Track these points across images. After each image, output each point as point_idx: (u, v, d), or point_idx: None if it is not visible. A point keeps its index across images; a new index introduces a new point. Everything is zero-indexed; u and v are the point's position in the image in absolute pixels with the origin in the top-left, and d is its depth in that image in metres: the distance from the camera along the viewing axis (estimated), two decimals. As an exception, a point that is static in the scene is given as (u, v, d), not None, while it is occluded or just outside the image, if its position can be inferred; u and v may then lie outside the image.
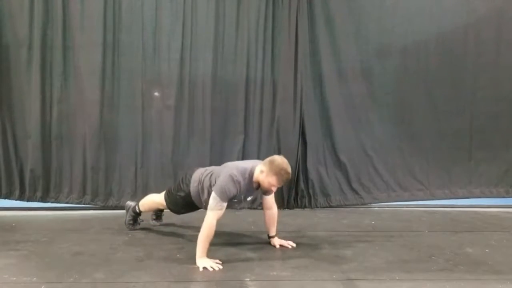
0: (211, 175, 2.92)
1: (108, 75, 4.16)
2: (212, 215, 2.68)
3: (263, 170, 2.77)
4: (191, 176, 3.04)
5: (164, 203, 3.21)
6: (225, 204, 2.71)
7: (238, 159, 4.30)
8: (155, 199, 3.34)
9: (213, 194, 2.72)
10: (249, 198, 2.95)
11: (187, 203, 3.05)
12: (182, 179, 3.11)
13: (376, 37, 4.49)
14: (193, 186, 2.99)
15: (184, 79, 4.27)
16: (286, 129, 4.35)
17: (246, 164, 2.89)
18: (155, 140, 4.27)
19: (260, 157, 4.35)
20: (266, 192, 2.96)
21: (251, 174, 2.79)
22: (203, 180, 2.94)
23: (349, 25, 4.45)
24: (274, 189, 2.84)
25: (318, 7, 4.38)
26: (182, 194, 3.04)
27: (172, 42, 4.23)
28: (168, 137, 4.28)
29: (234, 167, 2.82)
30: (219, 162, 4.28)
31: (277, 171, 2.72)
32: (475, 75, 4.63)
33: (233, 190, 2.71)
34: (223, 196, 2.69)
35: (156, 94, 4.31)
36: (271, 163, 2.76)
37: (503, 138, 4.70)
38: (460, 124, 4.65)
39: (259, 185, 2.85)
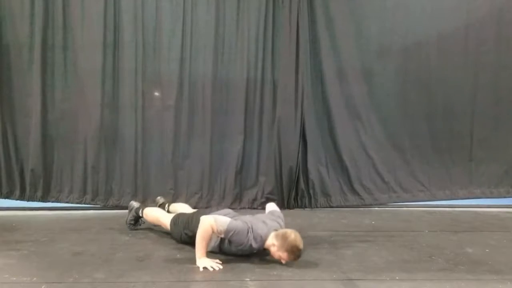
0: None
1: (108, 75, 4.16)
2: (210, 223, 2.63)
3: (274, 244, 2.67)
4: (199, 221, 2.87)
5: (169, 228, 3.15)
6: (223, 235, 2.66)
7: (238, 159, 4.31)
8: (160, 219, 3.27)
9: (227, 219, 2.67)
10: (254, 251, 2.82)
11: (190, 240, 2.92)
12: (193, 218, 2.99)
13: (377, 37, 4.49)
14: None
15: (184, 79, 4.27)
16: (286, 129, 4.35)
17: (262, 228, 2.74)
18: (155, 140, 4.28)
19: (260, 157, 4.37)
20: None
21: (263, 241, 2.71)
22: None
23: (349, 25, 4.45)
24: (283, 262, 2.69)
25: (318, 7, 4.38)
26: (189, 233, 2.94)
27: (172, 42, 4.24)
28: (168, 137, 4.28)
29: (251, 224, 2.72)
30: (219, 162, 4.34)
31: (289, 249, 2.62)
32: (476, 75, 4.62)
33: (239, 239, 2.65)
34: (229, 230, 2.63)
35: (156, 94, 4.31)
36: (284, 239, 2.64)
37: (503, 138, 4.69)
38: (460, 124, 4.64)
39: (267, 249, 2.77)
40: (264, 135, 4.40)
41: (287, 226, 3.51)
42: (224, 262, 2.64)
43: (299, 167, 4.34)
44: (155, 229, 3.46)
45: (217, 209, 3.10)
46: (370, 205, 4.49)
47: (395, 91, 4.55)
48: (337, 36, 4.42)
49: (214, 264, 2.59)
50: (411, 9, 4.53)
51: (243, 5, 4.32)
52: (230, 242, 2.71)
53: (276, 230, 2.76)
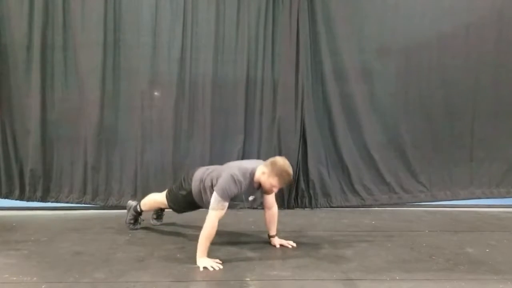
0: (213, 174, 2.92)
1: (108, 75, 4.15)
2: (214, 215, 2.68)
3: (264, 172, 2.77)
4: (192, 175, 3.05)
5: (166, 202, 3.21)
6: (226, 204, 2.72)
7: (238, 159, 4.29)
8: (156, 198, 3.34)
9: (214, 194, 2.73)
10: (250, 198, 2.96)
11: (188, 202, 3.06)
12: (184, 177, 3.12)
13: (377, 37, 4.48)
14: (194, 185, 2.99)
15: (184, 79, 4.26)
16: (286, 129, 4.34)
17: (248, 164, 2.90)
18: (155, 140, 4.27)
19: (260, 157, 4.36)
20: (267, 191, 2.97)
21: (252, 175, 2.80)
22: (205, 179, 2.95)
23: (350, 25, 4.43)
24: (275, 190, 2.85)
25: (318, 7, 4.36)
26: (184, 192, 3.04)
27: (172, 42, 4.23)
28: (168, 137, 4.27)
29: (235, 167, 2.83)
30: (219, 162, 4.27)
31: (279, 173, 2.73)
32: (477, 75, 4.60)
33: (234, 190, 2.72)
34: (224, 195, 2.69)
35: (156, 94, 4.31)
36: (273, 164, 2.76)
37: (504, 137, 4.67)
38: (461, 124, 4.62)
39: (260, 185, 2.85)
40: (264, 135, 4.39)
41: (287, 226, 3.53)
42: (224, 262, 2.64)
43: (299, 167, 4.34)
44: (155, 229, 3.47)
45: (193, 170, 3.14)
46: (371, 206, 4.49)
47: (396, 91, 4.54)
48: (338, 36, 4.41)
49: (214, 264, 2.59)
50: (411, 9, 4.51)
51: (243, 5, 4.32)
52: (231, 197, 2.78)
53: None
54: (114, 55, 4.16)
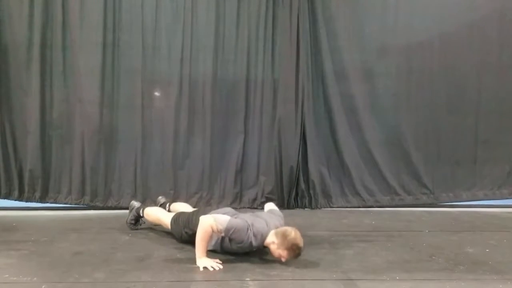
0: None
1: (108, 75, 4.16)
2: (209, 222, 2.63)
3: (274, 242, 2.67)
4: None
5: (169, 227, 3.15)
6: (223, 234, 2.66)
7: (238, 159, 4.31)
8: (161, 218, 3.27)
9: (227, 217, 2.68)
10: (254, 249, 2.83)
11: (191, 239, 2.91)
12: (193, 216, 3.00)
13: (378, 37, 4.48)
14: None
15: (184, 79, 4.27)
16: (287, 129, 4.35)
17: (262, 226, 2.75)
18: (155, 140, 4.27)
19: (260, 157, 4.36)
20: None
21: (263, 238, 2.71)
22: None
23: (350, 25, 4.43)
24: (283, 260, 2.69)
25: (319, 7, 4.37)
26: (189, 232, 2.94)
27: (172, 42, 4.24)
28: (168, 137, 4.27)
29: (251, 221, 2.73)
30: (219, 162, 4.33)
31: (289, 247, 2.62)
32: (480, 75, 4.57)
33: (239, 237, 2.65)
34: (229, 228, 2.63)
35: (156, 94, 4.31)
36: (284, 237, 2.64)
37: (507, 138, 4.63)
38: (464, 125, 4.59)
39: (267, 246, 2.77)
40: (264, 135, 4.39)
41: (287, 225, 3.52)
42: (224, 262, 2.64)
43: (299, 167, 4.34)
44: (155, 229, 3.46)
45: (217, 207, 3.09)
46: (371, 206, 4.47)
47: (397, 91, 4.52)
48: (338, 36, 4.41)
49: (214, 264, 2.58)
50: (412, 8, 4.50)
51: (243, 5, 4.32)
52: (230, 240, 2.71)
53: (276, 228, 2.76)
54: (113, 55, 4.17)
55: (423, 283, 2.41)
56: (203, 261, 2.59)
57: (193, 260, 2.63)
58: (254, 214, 2.95)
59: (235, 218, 2.76)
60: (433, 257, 2.84)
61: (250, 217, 2.81)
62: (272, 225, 2.79)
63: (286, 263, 2.65)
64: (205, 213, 2.91)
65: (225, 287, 2.32)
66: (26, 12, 4.02)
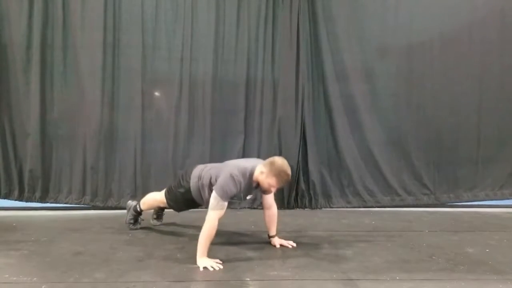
0: (211, 171, 2.93)
1: (108, 75, 4.16)
2: (214, 215, 2.68)
3: (263, 171, 2.78)
4: (191, 173, 3.05)
5: (165, 200, 3.22)
6: (226, 203, 2.72)
7: (238, 159, 4.30)
8: (155, 197, 3.35)
9: (213, 194, 2.72)
10: (248, 197, 2.96)
11: (187, 200, 3.06)
12: (182, 175, 3.13)
13: (378, 37, 4.47)
14: (193, 182, 3.00)
15: (184, 79, 4.27)
16: (287, 129, 4.35)
17: (247, 163, 2.90)
18: (155, 140, 4.27)
19: (260, 157, 4.35)
20: (266, 191, 2.97)
21: (251, 174, 2.80)
22: (203, 177, 2.95)
23: (351, 25, 4.43)
24: (273, 189, 2.87)
25: (319, 7, 4.37)
26: (182, 190, 3.05)
27: (172, 42, 4.24)
28: (168, 137, 4.28)
29: (234, 166, 2.83)
30: (219, 162, 4.32)
31: (277, 173, 2.74)
32: (481, 76, 4.57)
33: (233, 189, 2.72)
34: (224, 195, 2.70)
35: (156, 94, 4.31)
36: (271, 164, 2.77)
37: (508, 139, 4.62)
38: (466, 126, 4.59)
39: (258, 184, 2.85)
40: (264, 135, 4.40)
41: (287, 226, 3.53)
42: (224, 262, 2.64)
43: (299, 167, 4.34)
44: (155, 229, 3.47)
45: (191, 168, 3.14)
46: (372, 207, 4.47)
47: (398, 91, 4.52)
48: (338, 36, 4.41)
49: (214, 264, 2.59)
50: (413, 8, 4.50)
51: (243, 5, 4.33)
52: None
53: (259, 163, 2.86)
54: (114, 55, 4.16)
55: (423, 283, 2.41)
56: (203, 261, 2.59)
57: (193, 260, 2.63)
58: (236, 159, 3.16)
59: (219, 173, 2.82)
60: (433, 257, 2.84)
61: (233, 164, 2.92)
62: (253, 161, 2.93)
63: (286, 263, 2.65)
64: (193, 168, 3.07)
65: (225, 287, 2.32)
66: (26, 12, 4.02)
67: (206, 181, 2.92)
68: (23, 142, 4.10)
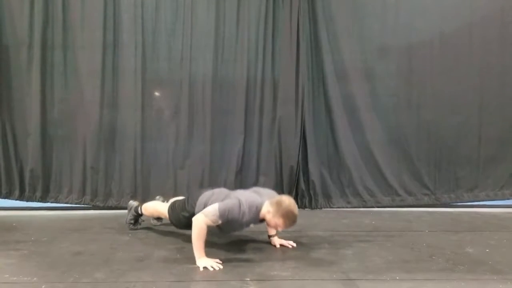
0: (218, 198, 2.85)
1: (108, 75, 4.16)
2: (203, 219, 2.64)
3: (270, 211, 2.71)
4: (197, 199, 2.96)
5: (167, 215, 3.17)
6: (219, 222, 2.67)
7: (238, 159, 4.31)
8: (158, 209, 3.30)
9: (215, 205, 2.69)
10: (251, 225, 2.88)
11: (189, 223, 2.89)
12: (188, 199, 3.05)
13: (378, 37, 4.46)
14: (198, 209, 2.88)
15: (184, 79, 4.26)
16: (287, 129, 4.34)
17: (256, 198, 2.80)
18: (155, 140, 4.27)
19: (260, 157, 4.37)
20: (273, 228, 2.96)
21: (258, 210, 2.75)
22: (209, 205, 2.84)
23: (351, 24, 4.42)
24: (280, 229, 2.80)
25: (319, 6, 4.36)
26: (186, 214, 2.96)
27: (172, 42, 4.24)
28: (168, 137, 4.28)
29: (244, 197, 2.76)
30: (219, 162, 4.33)
31: (284, 213, 2.67)
32: (481, 76, 4.54)
33: (234, 216, 2.67)
34: (223, 214, 2.65)
35: (156, 94, 4.31)
36: (278, 205, 2.69)
37: (509, 138, 4.60)
38: (467, 126, 4.56)
39: (264, 219, 2.81)
40: (264, 134, 4.39)
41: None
42: (224, 262, 2.64)
43: (299, 167, 4.34)
44: (155, 229, 3.47)
45: (212, 188, 3.09)
46: (372, 207, 4.47)
47: (398, 91, 4.50)
48: (338, 36, 4.40)
49: (214, 263, 2.58)
50: (412, 8, 4.48)
51: (243, 5, 4.32)
52: (227, 220, 2.72)
53: (270, 199, 2.80)
54: (114, 55, 4.16)
55: (423, 283, 2.41)
56: (203, 261, 2.59)
57: (193, 260, 2.63)
58: (248, 190, 2.99)
59: (227, 198, 2.79)
60: (433, 257, 2.84)
61: (243, 193, 2.86)
62: (265, 196, 2.84)
63: (286, 263, 2.65)
64: (199, 194, 2.98)
65: (225, 287, 2.32)
66: (27, 12, 4.02)
67: None
68: (24, 142, 4.11)
